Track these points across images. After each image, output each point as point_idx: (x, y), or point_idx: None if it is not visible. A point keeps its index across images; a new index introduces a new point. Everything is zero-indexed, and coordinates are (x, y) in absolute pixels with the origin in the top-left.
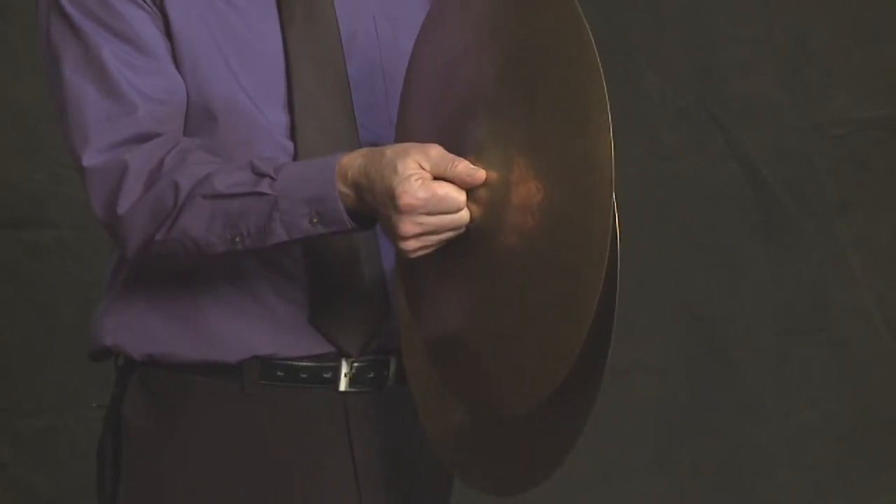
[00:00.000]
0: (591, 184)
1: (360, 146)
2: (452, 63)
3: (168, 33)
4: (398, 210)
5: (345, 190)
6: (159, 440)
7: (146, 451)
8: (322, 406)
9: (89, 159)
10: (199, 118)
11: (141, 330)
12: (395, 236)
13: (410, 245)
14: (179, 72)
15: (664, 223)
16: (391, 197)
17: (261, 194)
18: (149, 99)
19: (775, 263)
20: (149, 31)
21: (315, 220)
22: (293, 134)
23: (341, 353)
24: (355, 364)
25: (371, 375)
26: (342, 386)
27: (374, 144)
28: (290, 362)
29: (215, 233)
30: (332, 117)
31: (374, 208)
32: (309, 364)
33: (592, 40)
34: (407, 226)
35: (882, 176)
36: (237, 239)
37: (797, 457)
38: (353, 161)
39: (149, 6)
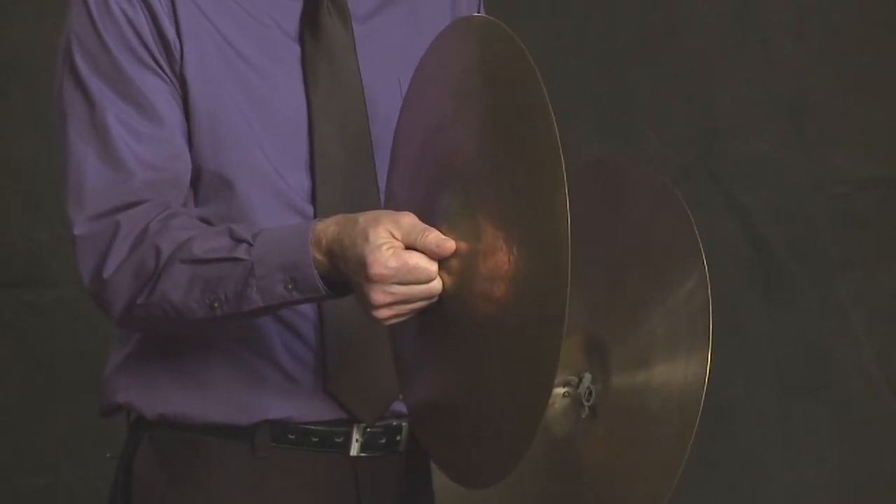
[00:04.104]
0: (552, 255)
1: None
2: (430, 130)
3: (187, 100)
4: (369, 279)
5: (319, 256)
6: (169, 500)
7: None
8: (332, 469)
9: (80, 227)
10: (214, 187)
11: (154, 390)
12: (366, 305)
13: (382, 314)
14: (198, 138)
15: None
16: (362, 265)
17: (237, 259)
18: (147, 166)
19: (776, 321)
20: (159, 97)
21: (290, 286)
22: (314, 198)
23: (354, 420)
24: (367, 430)
25: (383, 441)
26: (353, 451)
27: None
28: (302, 426)
29: (194, 298)
30: (354, 181)
31: (347, 276)
32: (321, 428)
33: (553, 118)
34: (378, 295)
35: (882, 235)
36: (215, 304)
37: None
38: (327, 228)
39: (166, 74)
